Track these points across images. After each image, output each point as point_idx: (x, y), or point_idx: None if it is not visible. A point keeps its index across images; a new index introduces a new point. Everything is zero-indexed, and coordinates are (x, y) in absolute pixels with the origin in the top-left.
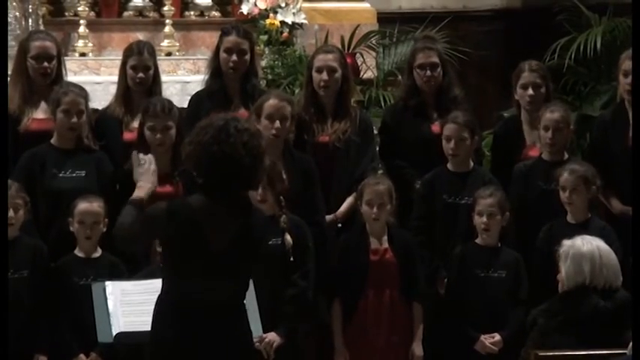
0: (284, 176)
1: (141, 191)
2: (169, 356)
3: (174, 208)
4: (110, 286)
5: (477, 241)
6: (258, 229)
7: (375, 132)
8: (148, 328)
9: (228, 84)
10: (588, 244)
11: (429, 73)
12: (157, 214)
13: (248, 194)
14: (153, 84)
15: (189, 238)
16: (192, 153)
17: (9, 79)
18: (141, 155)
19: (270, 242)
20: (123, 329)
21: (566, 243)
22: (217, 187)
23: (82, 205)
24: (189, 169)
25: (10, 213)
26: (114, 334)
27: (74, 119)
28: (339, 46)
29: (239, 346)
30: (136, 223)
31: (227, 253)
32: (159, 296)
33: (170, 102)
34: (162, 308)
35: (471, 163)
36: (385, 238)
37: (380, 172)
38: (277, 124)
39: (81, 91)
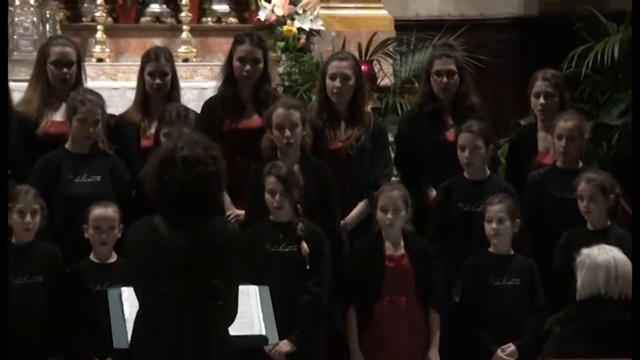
0: (301, 183)
1: None
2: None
3: (135, 224)
4: (126, 291)
5: (490, 249)
6: (218, 233)
7: (392, 139)
8: None
9: (241, 91)
10: (604, 254)
11: (445, 80)
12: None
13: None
14: (171, 90)
15: (149, 243)
16: (146, 184)
17: (28, 83)
18: None
19: (287, 249)
20: None
21: (584, 252)
22: (169, 212)
23: (97, 211)
24: (149, 198)
25: (28, 218)
26: (129, 340)
27: (90, 129)
28: (356, 53)
29: (209, 351)
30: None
31: (185, 253)
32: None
33: (186, 108)
34: (138, 318)
35: (488, 172)
36: (401, 244)
37: (394, 178)
38: (287, 132)
39: (98, 100)
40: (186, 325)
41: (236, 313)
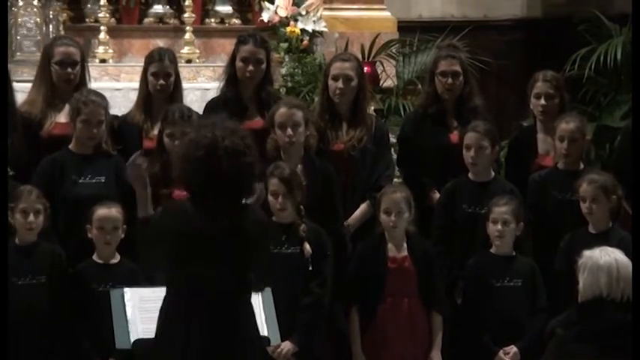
0: (304, 184)
1: None
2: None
3: (167, 207)
4: (129, 292)
5: (492, 250)
6: (254, 223)
7: (394, 140)
8: None
9: (244, 91)
10: (606, 256)
11: (450, 80)
12: (152, 222)
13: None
14: (174, 91)
15: (183, 230)
16: (181, 169)
17: (32, 84)
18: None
19: (289, 251)
20: (141, 336)
21: (586, 254)
22: (208, 200)
23: (101, 211)
24: (180, 182)
25: (31, 218)
26: (132, 340)
27: (94, 130)
28: (359, 55)
29: (243, 341)
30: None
31: (221, 242)
32: (164, 296)
33: (189, 109)
34: (165, 306)
35: (492, 173)
36: (404, 246)
37: (396, 180)
38: (289, 131)
39: (101, 101)
40: (218, 315)
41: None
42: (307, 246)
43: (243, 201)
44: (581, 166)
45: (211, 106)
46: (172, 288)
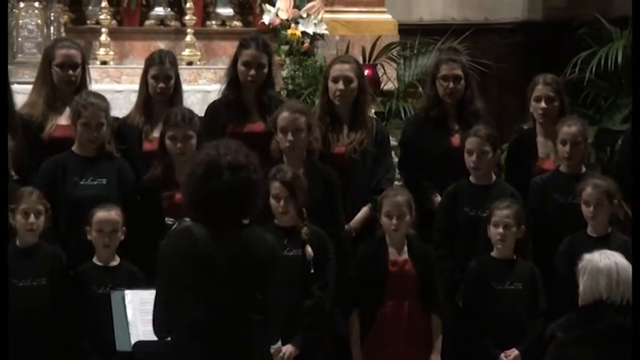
0: (306, 187)
1: None
2: None
3: (174, 232)
4: (129, 294)
5: (493, 253)
6: (261, 247)
7: (395, 143)
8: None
9: (245, 94)
10: (606, 259)
11: (451, 84)
12: (161, 253)
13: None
14: (174, 94)
15: (192, 256)
16: (186, 192)
17: (32, 85)
18: None
19: (291, 253)
20: (141, 338)
21: (586, 257)
22: (213, 221)
23: (100, 214)
24: (187, 208)
25: (31, 219)
26: (132, 342)
27: (94, 133)
28: (360, 58)
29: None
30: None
31: (229, 268)
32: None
33: (191, 111)
34: (178, 329)
35: (494, 177)
36: (405, 249)
37: (396, 183)
38: (290, 136)
39: (102, 103)
40: (227, 340)
41: (280, 328)
42: (309, 249)
43: (246, 221)
44: (583, 169)
45: (213, 108)
46: (178, 314)
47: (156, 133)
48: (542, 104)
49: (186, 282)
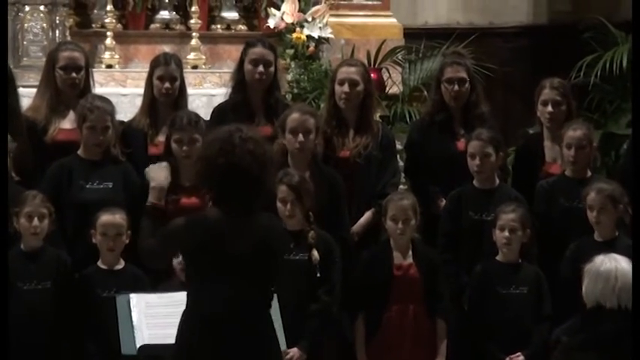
0: (312, 191)
1: (153, 194)
2: None
3: (191, 221)
4: (135, 298)
5: (498, 257)
6: (276, 237)
7: (400, 147)
8: (172, 340)
9: (252, 97)
10: (608, 263)
11: (456, 87)
12: (175, 229)
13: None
14: (179, 96)
15: (209, 249)
16: (202, 168)
17: (36, 89)
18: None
19: (297, 257)
20: (147, 342)
21: (593, 260)
22: (229, 199)
23: (105, 217)
24: (201, 185)
25: (35, 222)
26: (138, 346)
27: (100, 136)
28: (365, 61)
29: (265, 356)
30: (156, 240)
31: (247, 260)
32: (184, 311)
33: (197, 115)
34: (188, 320)
35: (497, 180)
36: (410, 253)
37: (401, 187)
38: (300, 137)
39: (107, 106)
40: (242, 329)
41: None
42: (315, 253)
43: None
44: (589, 173)
45: (219, 111)
46: (194, 301)
47: (161, 137)
48: (549, 108)
49: (202, 271)
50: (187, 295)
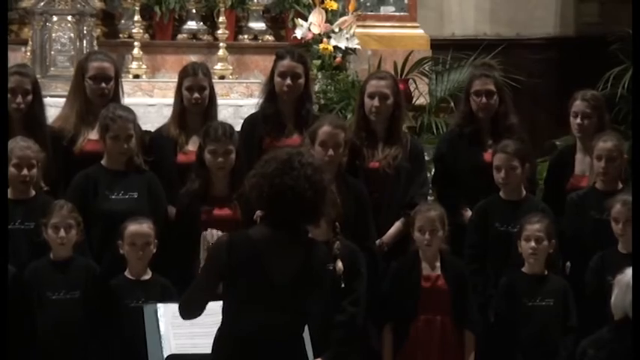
0: (338, 202)
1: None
2: None
3: (235, 240)
4: (162, 308)
5: (524, 269)
6: (320, 264)
7: (427, 158)
8: (199, 350)
9: (283, 108)
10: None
11: (484, 100)
12: (218, 246)
13: (308, 228)
14: (209, 105)
15: (251, 270)
16: (255, 185)
17: (64, 99)
18: (212, 233)
19: None
20: (174, 351)
21: (624, 271)
22: (279, 220)
23: (132, 227)
24: (253, 200)
25: (62, 233)
26: (165, 356)
27: (124, 145)
28: (392, 72)
29: None
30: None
31: (288, 286)
32: (219, 329)
33: (231, 126)
34: (222, 341)
35: (524, 192)
36: (438, 264)
37: (430, 198)
38: (330, 151)
39: (129, 115)
40: (274, 353)
41: None
42: (339, 263)
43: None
44: (620, 185)
45: (250, 121)
46: (230, 322)
47: (190, 146)
48: (578, 120)
49: (240, 294)
50: (223, 312)
